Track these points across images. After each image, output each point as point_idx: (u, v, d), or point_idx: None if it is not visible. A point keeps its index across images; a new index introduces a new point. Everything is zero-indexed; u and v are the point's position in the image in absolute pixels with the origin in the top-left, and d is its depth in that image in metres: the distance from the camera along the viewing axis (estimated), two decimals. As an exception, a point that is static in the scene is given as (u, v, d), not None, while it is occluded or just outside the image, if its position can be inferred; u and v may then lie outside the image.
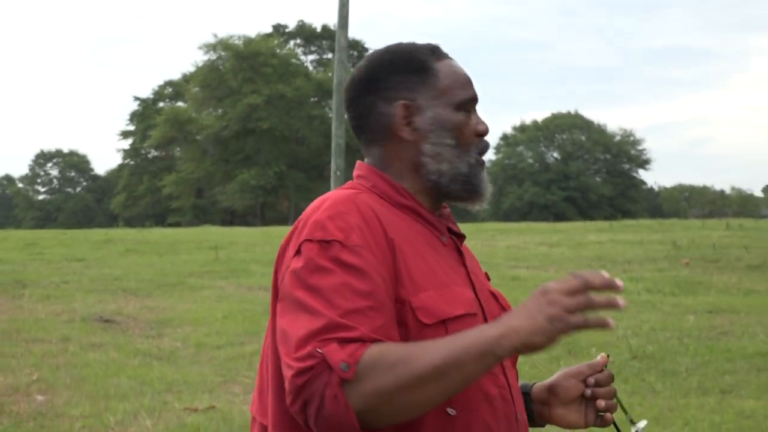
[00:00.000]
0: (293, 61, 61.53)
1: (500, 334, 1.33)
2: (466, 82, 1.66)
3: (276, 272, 1.55)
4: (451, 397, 1.42)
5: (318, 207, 1.53)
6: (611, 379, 1.66)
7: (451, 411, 1.46)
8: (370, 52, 1.74)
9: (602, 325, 1.33)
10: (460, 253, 1.65)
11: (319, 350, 1.33)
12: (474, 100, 1.66)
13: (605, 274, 1.34)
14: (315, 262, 1.43)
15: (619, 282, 1.33)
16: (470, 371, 1.34)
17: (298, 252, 1.47)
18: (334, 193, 1.57)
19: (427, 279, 1.50)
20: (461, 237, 1.68)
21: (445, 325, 1.46)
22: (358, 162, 1.70)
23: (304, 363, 1.33)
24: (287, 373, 1.37)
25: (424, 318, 1.45)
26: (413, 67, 1.64)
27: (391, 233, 1.51)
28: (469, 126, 1.63)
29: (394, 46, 1.69)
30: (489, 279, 1.76)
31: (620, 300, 1.33)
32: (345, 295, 1.39)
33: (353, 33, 73.60)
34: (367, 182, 1.63)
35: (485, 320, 1.55)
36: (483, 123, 1.66)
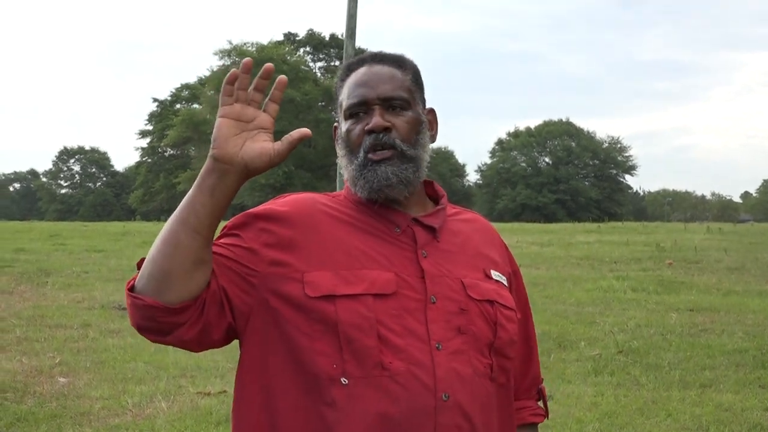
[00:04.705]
0: (302, 67, 61.34)
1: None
2: (356, 87, 1.61)
3: None
4: (345, 370, 1.46)
5: None
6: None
7: (344, 380, 1.47)
8: None
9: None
10: (414, 241, 1.60)
11: None
12: (362, 103, 1.60)
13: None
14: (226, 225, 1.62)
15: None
16: (188, 209, 1.44)
17: None
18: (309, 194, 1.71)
19: (331, 262, 1.52)
20: (431, 228, 1.63)
21: (332, 300, 1.48)
22: None
23: None
24: None
25: (310, 291, 1.49)
26: (335, 91, 1.70)
27: (314, 225, 1.57)
28: (355, 130, 1.60)
29: None
30: (489, 271, 1.74)
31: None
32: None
33: (359, 42, 73.57)
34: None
35: (424, 302, 1.54)
36: (372, 121, 1.57)
